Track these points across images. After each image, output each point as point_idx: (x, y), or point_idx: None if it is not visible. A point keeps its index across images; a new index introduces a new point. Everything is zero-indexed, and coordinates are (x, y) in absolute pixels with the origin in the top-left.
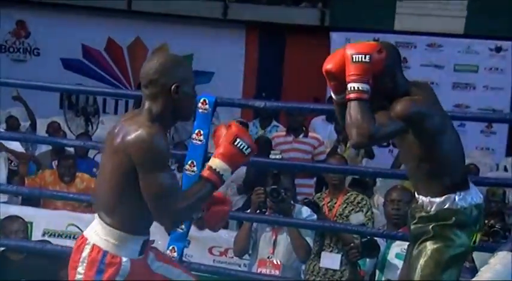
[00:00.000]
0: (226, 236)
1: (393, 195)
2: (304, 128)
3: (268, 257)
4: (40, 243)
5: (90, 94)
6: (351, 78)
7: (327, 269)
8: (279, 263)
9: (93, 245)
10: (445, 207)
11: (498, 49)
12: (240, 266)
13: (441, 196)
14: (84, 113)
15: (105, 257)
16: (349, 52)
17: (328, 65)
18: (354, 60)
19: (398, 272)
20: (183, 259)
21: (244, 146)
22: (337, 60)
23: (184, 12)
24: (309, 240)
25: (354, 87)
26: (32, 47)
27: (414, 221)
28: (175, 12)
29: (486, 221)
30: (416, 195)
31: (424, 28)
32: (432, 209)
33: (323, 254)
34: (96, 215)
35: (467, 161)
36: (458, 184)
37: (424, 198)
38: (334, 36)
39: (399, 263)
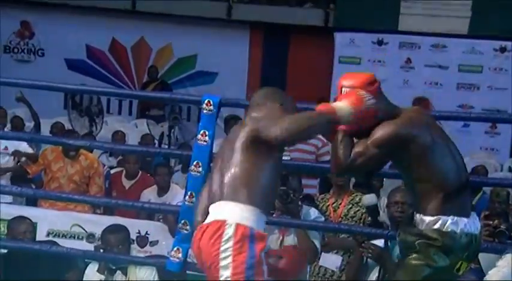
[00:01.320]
0: None
1: (397, 197)
2: None
3: None
4: (45, 245)
5: (95, 94)
6: None
7: (326, 269)
8: None
9: (237, 224)
10: (435, 227)
11: (502, 49)
12: None
13: (433, 215)
14: (88, 114)
15: (253, 233)
16: (343, 83)
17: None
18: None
19: None
20: (188, 259)
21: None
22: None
23: (188, 12)
24: (316, 242)
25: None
26: (36, 47)
27: (404, 236)
28: (180, 13)
29: (491, 222)
30: (459, 221)
31: (429, 28)
32: (422, 227)
33: (324, 253)
34: (223, 201)
35: (472, 163)
36: (455, 209)
37: (417, 215)
38: (339, 36)
39: None
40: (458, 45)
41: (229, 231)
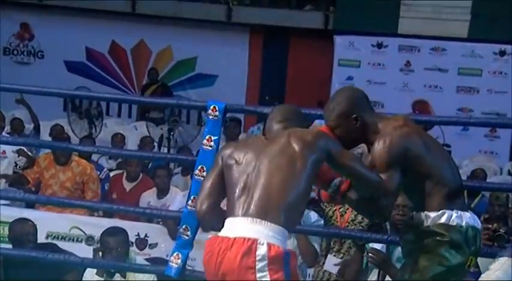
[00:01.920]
0: None
1: (398, 200)
2: None
3: None
4: (43, 252)
5: (101, 100)
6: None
7: (330, 273)
8: None
9: (269, 244)
10: (441, 222)
11: (502, 53)
12: None
13: (437, 210)
14: (88, 116)
15: (287, 253)
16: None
17: None
18: None
19: None
20: (187, 266)
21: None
22: None
23: (188, 15)
24: (316, 246)
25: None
26: (36, 49)
27: (409, 237)
28: (180, 15)
29: (490, 226)
30: (411, 213)
31: (428, 32)
32: (428, 223)
33: (329, 257)
34: (251, 218)
35: (472, 166)
36: (456, 204)
37: (421, 213)
38: (338, 39)
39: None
40: (458, 49)
41: (262, 250)
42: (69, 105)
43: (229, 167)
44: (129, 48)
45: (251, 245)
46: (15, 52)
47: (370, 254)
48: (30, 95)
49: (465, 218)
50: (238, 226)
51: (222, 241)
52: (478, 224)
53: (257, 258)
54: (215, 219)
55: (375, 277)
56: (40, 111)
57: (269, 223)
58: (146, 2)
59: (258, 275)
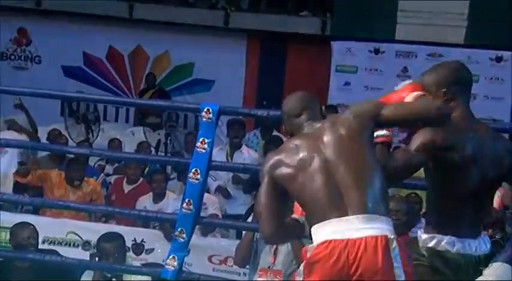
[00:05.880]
0: (226, 245)
1: (390, 205)
2: None
3: (269, 267)
4: (40, 254)
5: (92, 102)
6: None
7: None
8: (280, 272)
9: (395, 237)
10: (429, 246)
11: (499, 59)
12: (239, 275)
13: (431, 233)
14: (85, 121)
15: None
16: None
17: None
18: None
19: None
20: (183, 267)
21: None
22: None
23: (185, 20)
24: None
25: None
26: (33, 54)
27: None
28: (177, 21)
29: (485, 232)
30: (457, 241)
31: (425, 38)
32: (420, 244)
33: None
34: (364, 215)
35: None
36: (454, 228)
37: (418, 232)
38: (335, 45)
39: None
40: (455, 55)
41: (394, 246)
42: (66, 110)
43: (293, 176)
44: (127, 54)
45: (386, 243)
46: (13, 57)
47: None
48: (27, 100)
49: (457, 245)
50: (355, 226)
51: (347, 244)
52: (480, 250)
53: (393, 255)
54: (281, 237)
55: None
56: (37, 116)
57: (382, 216)
58: (143, 7)
59: (397, 272)
